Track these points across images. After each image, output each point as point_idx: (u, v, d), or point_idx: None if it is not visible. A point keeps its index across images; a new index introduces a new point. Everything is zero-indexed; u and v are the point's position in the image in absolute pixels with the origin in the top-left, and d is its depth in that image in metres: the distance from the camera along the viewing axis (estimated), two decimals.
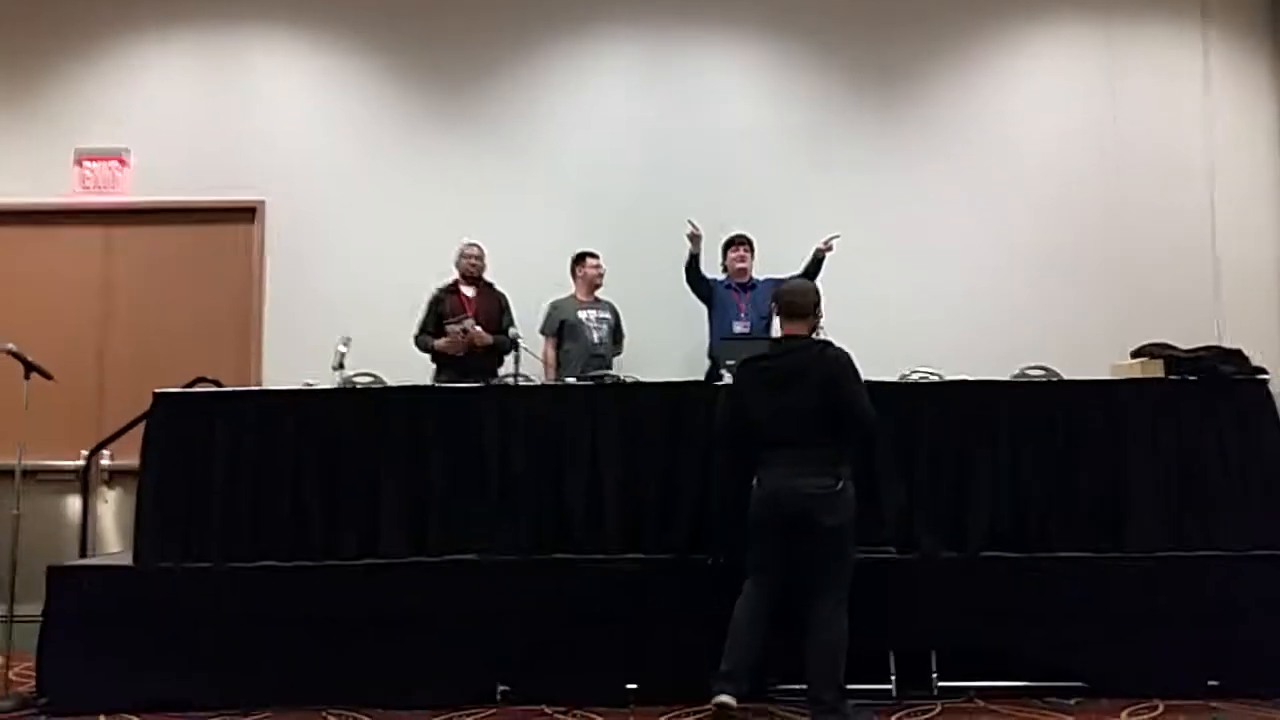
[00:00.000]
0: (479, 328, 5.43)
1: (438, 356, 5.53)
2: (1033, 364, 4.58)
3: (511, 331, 5.14)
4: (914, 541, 4.30)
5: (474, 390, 4.58)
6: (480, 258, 5.73)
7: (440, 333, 5.51)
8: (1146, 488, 4.32)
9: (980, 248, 6.21)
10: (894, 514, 4.29)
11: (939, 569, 4.24)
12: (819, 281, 4.64)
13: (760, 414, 3.85)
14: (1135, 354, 4.69)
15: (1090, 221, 6.21)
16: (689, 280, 5.61)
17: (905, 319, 6.01)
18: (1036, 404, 4.38)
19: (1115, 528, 4.30)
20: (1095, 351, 5.13)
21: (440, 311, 5.57)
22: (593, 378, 4.80)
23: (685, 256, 5.57)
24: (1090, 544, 4.27)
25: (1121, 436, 4.35)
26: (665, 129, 6.30)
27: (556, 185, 6.32)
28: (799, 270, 5.43)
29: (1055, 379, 4.54)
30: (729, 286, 5.70)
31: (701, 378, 4.95)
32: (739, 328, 5.51)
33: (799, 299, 3.95)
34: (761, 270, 5.72)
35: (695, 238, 5.48)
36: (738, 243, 5.73)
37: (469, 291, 5.69)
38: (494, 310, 5.62)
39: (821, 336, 3.99)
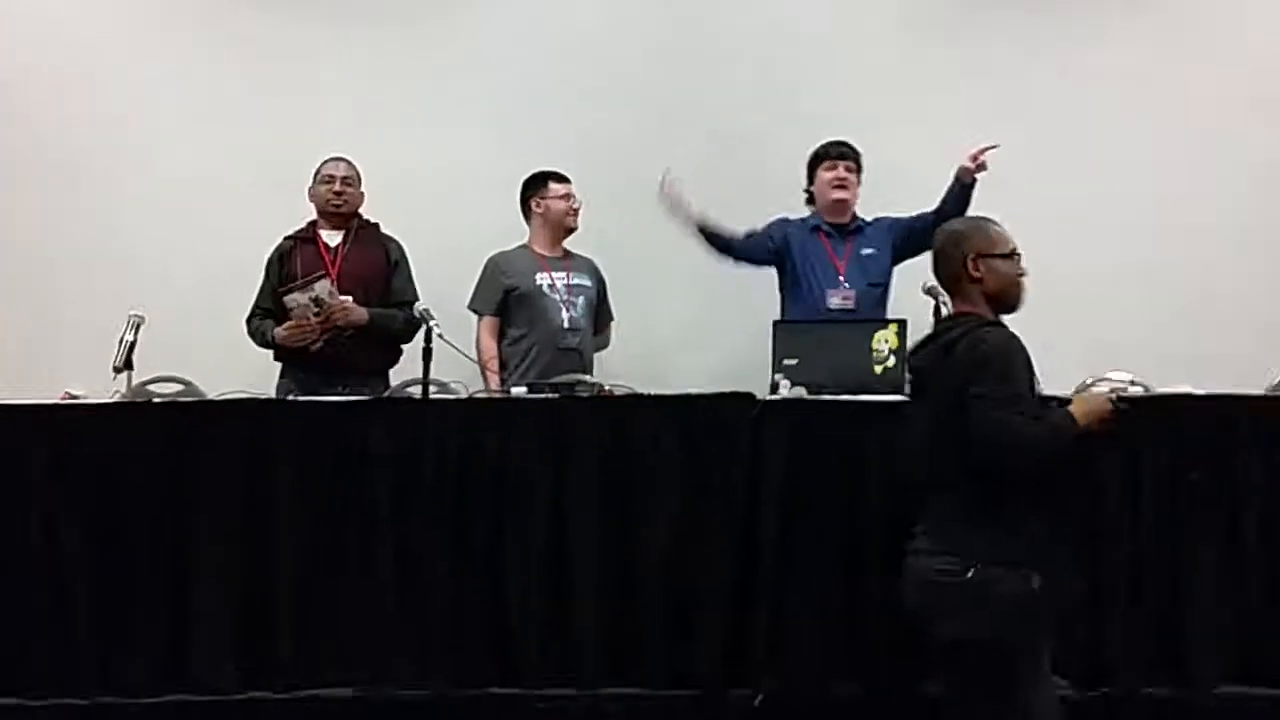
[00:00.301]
0: (346, 297, 4.81)
1: (285, 352, 4.98)
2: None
3: (418, 307, 4.55)
4: (1105, 670, 3.80)
5: (351, 408, 4.12)
6: (351, 182, 5.12)
7: (285, 314, 4.92)
8: None
9: (1191, 193, 5.65)
10: (1069, 624, 3.63)
11: (1146, 716, 3.79)
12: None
13: (907, 441, 3.50)
14: None
15: None
16: (729, 257, 4.98)
17: (1077, 293, 5.40)
18: None
19: None
20: None
21: (285, 275, 5.00)
22: (560, 385, 4.41)
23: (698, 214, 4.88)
24: None
25: None
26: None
27: (503, 71, 5.81)
28: (932, 208, 4.81)
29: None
30: (818, 229, 4.97)
31: (747, 387, 4.24)
32: (835, 300, 4.81)
33: (937, 254, 3.41)
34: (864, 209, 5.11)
35: (673, 201, 4.80)
36: (834, 156, 4.98)
37: (332, 238, 5.07)
38: (377, 268, 5.08)
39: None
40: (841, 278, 4.86)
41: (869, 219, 5.04)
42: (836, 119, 5.44)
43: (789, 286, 4.97)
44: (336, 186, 5.07)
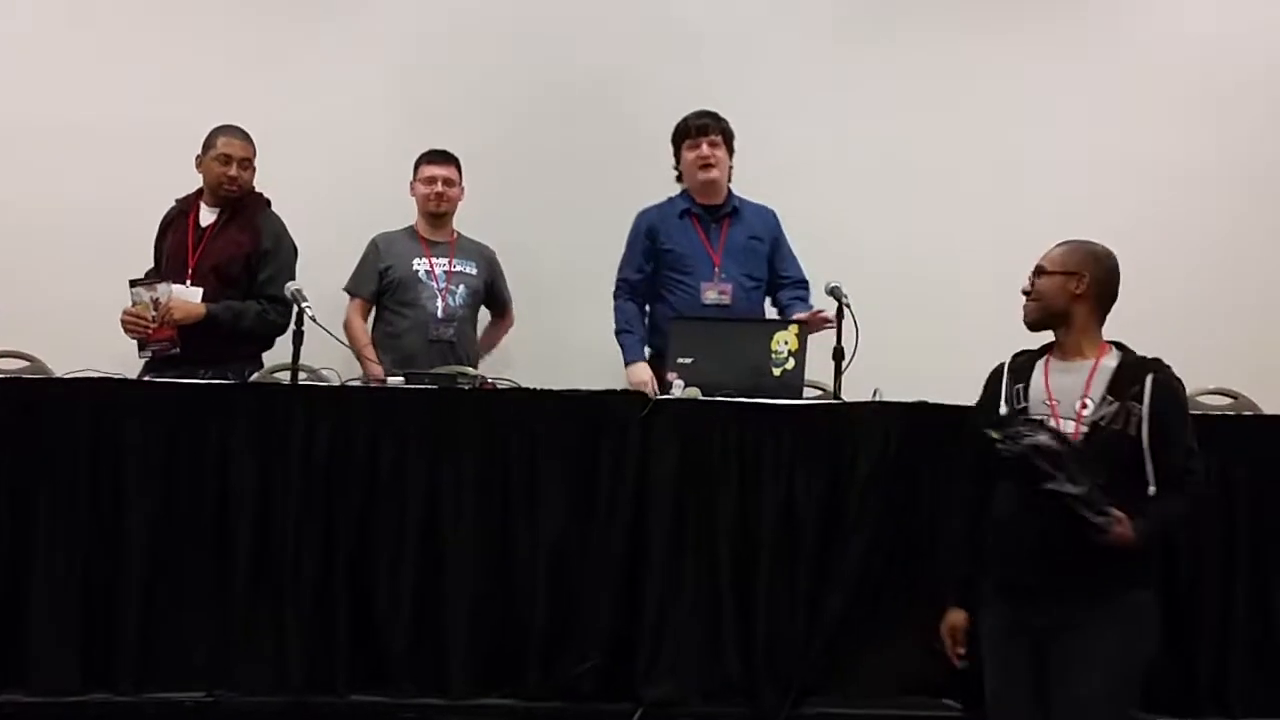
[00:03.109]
0: (188, 287, 4.60)
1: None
2: (1210, 386, 4.20)
3: (289, 287, 4.33)
4: None
5: (212, 392, 3.97)
6: (247, 164, 4.75)
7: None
8: None
9: (1123, 193, 5.64)
10: None
11: None
12: None
13: None
14: None
15: None
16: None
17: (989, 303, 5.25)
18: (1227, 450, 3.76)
19: None
20: None
21: (160, 250, 4.71)
22: (440, 377, 4.29)
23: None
24: None
25: None
26: None
27: (404, 46, 5.72)
28: (789, 284, 4.74)
29: (1247, 414, 4.16)
30: (688, 213, 4.68)
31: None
32: (711, 294, 4.55)
33: None
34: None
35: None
36: (694, 133, 4.64)
37: (207, 216, 4.71)
38: (239, 254, 4.68)
39: None
40: (717, 269, 4.61)
41: (749, 200, 4.77)
42: (749, 104, 5.33)
43: (659, 277, 4.72)
44: (232, 170, 4.72)
